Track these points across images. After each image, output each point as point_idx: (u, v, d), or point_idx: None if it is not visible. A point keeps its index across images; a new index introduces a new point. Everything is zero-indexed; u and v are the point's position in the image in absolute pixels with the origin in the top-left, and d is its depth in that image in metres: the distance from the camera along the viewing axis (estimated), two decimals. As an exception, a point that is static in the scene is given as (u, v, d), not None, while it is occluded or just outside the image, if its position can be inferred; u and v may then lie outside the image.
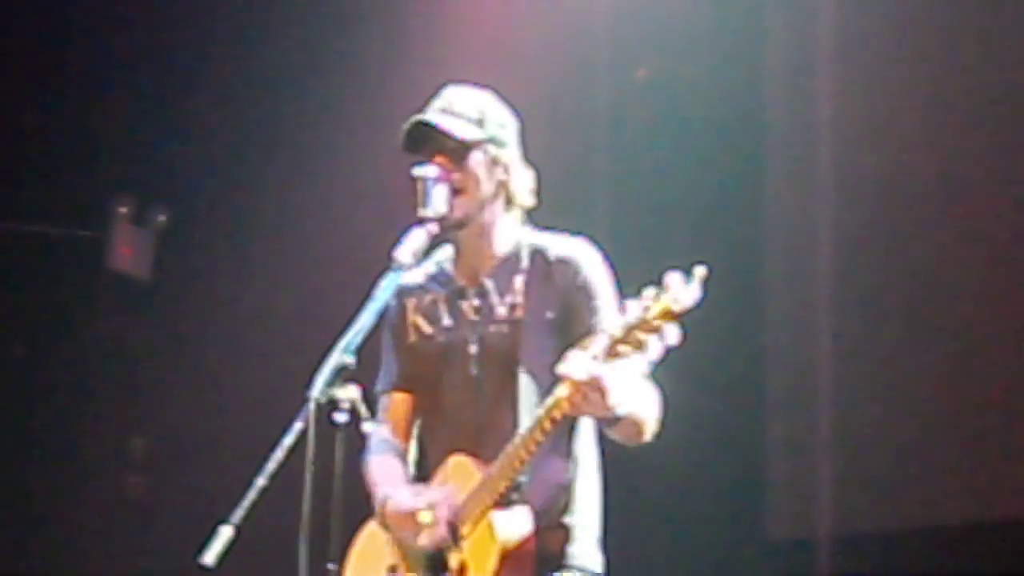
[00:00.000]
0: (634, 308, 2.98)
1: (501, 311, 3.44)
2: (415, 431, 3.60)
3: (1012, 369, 5.76)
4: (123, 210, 7.73)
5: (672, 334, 2.94)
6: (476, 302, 3.47)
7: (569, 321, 3.38)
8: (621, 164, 6.76)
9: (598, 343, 3.03)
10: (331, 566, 3.18)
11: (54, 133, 7.40)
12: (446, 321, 3.50)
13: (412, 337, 3.54)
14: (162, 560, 6.99)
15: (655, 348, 2.97)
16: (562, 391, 3.10)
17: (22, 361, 7.49)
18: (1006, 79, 5.84)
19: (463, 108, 3.47)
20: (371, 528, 3.53)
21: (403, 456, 3.56)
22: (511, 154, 3.49)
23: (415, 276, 3.55)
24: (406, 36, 6.98)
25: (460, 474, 3.37)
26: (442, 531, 3.30)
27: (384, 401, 3.60)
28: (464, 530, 3.30)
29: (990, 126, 5.89)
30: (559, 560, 3.37)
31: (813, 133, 6.43)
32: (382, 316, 3.31)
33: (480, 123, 3.45)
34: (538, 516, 3.32)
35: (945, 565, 5.79)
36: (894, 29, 6.21)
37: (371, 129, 6.63)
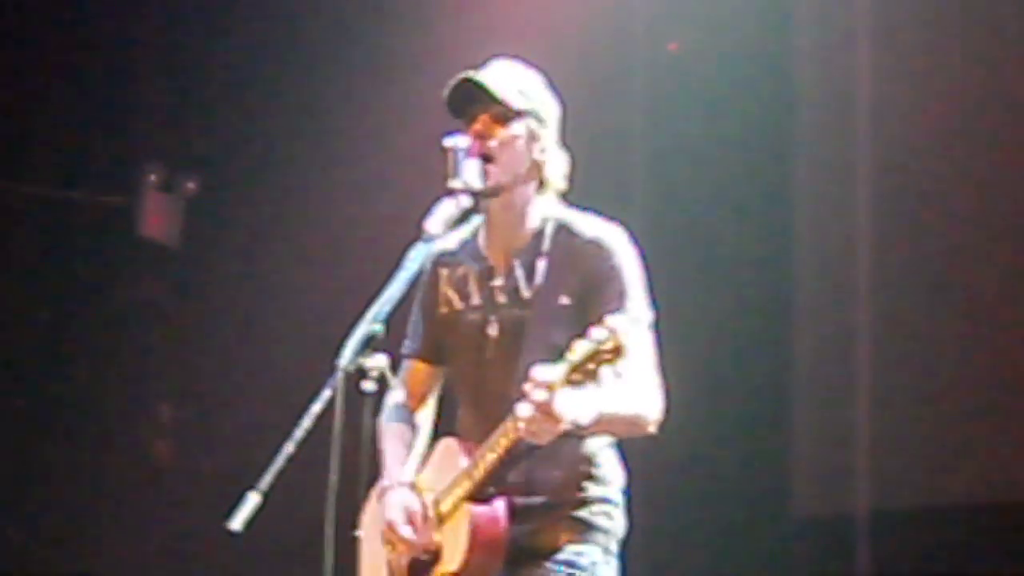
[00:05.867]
0: (594, 336, 3.01)
1: (526, 295, 3.42)
2: (433, 398, 3.62)
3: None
4: (152, 177, 7.74)
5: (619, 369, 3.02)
6: (503, 283, 3.45)
7: (589, 305, 3.32)
8: (655, 138, 6.74)
9: (556, 369, 3.03)
10: (359, 533, 3.20)
11: (85, 100, 7.41)
12: (475, 299, 3.48)
13: (443, 308, 3.53)
14: (189, 526, 7.03)
15: (608, 380, 3.02)
16: (522, 411, 3.09)
17: (50, 327, 7.52)
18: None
19: (510, 79, 3.43)
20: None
21: (413, 426, 3.59)
22: (549, 135, 3.45)
23: (449, 243, 3.53)
24: (440, 9, 6.96)
25: (446, 458, 3.42)
26: (413, 549, 3.38)
27: (407, 365, 3.62)
28: (443, 508, 3.36)
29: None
30: (584, 522, 3.38)
31: (848, 108, 6.39)
32: (414, 282, 3.32)
33: (526, 96, 3.41)
34: (562, 488, 3.36)
35: (981, 543, 5.78)
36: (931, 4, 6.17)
37: (403, 99, 6.63)
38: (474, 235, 3.54)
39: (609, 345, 2.99)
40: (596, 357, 3.00)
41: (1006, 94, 5.92)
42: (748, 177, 6.43)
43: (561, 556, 3.35)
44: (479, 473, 3.28)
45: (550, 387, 3.02)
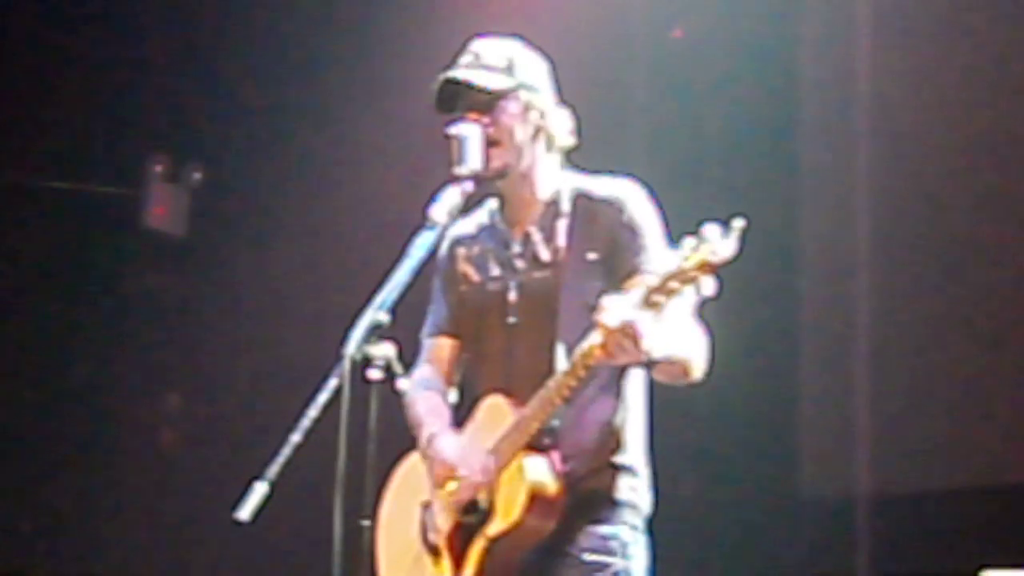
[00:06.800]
0: (672, 258, 2.98)
1: (545, 257, 3.45)
2: (457, 377, 3.63)
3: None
4: (158, 168, 7.76)
5: (708, 285, 2.95)
6: (521, 250, 3.49)
7: (614, 261, 3.37)
8: (657, 124, 6.74)
9: (635, 292, 3.04)
10: (365, 523, 3.20)
11: (90, 92, 7.42)
12: (494, 271, 3.52)
13: (462, 286, 3.57)
14: (197, 515, 7.05)
15: (691, 298, 2.99)
16: (596, 338, 3.11)
17: (58, 318, 7.53)
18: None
19: (491, 59, 3.47)
20: (413, 460, 3.56)
21: (445, 396, 3.59)
22: (544, 98, 3.49)
23: (467, 226, 3.58)
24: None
25: (494, 415, 3.39)
26: (476, 487, 3.34)
27: (428, 344, 3.64)
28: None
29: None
30: (610, 497, 3.38)
31: (850, 91, 6.40)
32: (419, 270, 3.31)
33: (509, 71, 3.45)
34: (588, 456, 3.35)
35: (983, 526, 5.78)
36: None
37: (405, 86, 6.61)
38: (491, 217, 3.58)
39: (694, 261, 2.92)
40: (680, 275, 2.96)
41: (1009, 86, 5.91)
42: (751, 167, 6.44)
43: (589, 543, 3.34)
44: (538, 418, 3.25)
45: (630, 305, 3.01)
